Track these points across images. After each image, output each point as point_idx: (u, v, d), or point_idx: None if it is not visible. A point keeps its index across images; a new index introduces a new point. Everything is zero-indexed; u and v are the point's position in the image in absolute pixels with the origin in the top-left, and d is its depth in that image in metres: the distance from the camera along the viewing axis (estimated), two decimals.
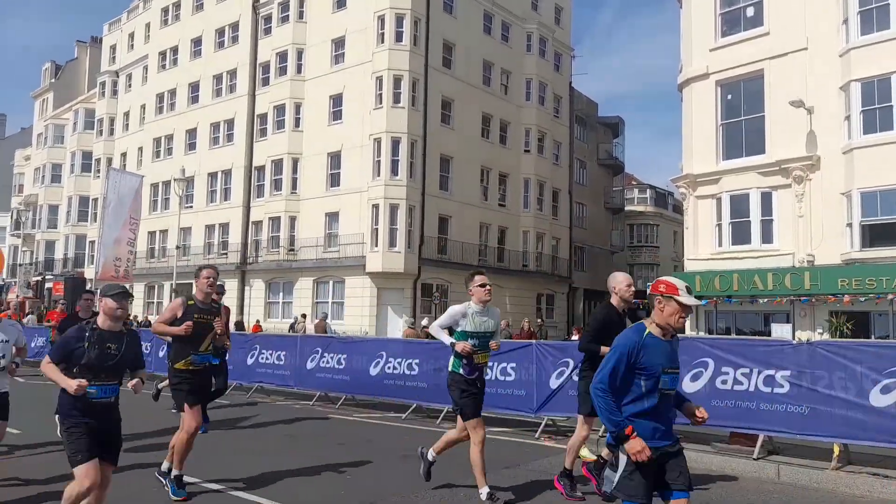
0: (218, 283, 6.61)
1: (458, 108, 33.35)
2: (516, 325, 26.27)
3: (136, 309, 40.87)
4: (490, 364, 7.56)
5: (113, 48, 49.82)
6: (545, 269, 37.74)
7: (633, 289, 6.25)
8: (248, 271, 35.18)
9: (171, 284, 28.55)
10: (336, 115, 32.60)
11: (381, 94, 30.20)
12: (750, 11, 21.98)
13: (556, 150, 40.65)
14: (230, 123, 37.72)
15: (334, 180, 32.25)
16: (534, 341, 11.10)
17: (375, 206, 29.56)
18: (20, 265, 55.91)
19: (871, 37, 19.27)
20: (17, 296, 50.22)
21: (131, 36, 47.35)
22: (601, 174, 47.62)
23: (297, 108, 33.82)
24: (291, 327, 27.54)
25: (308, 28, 34.21)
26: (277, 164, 33.92)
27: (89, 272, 39.26)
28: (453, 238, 32.49)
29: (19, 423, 9.32)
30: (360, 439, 9.25)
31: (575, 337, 25.73)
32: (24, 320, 25.25)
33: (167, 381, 7.06)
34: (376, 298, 29.82)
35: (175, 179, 30.10)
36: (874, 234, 19.06)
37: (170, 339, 6.47)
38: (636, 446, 3.49)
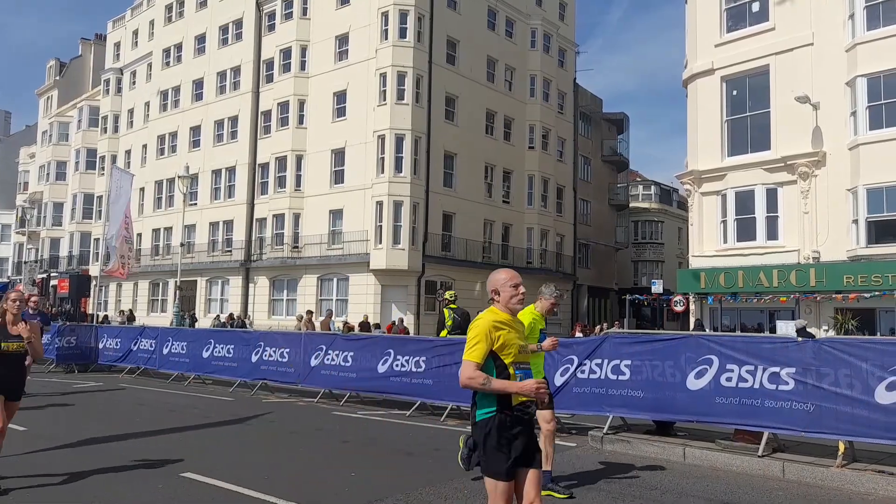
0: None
1: (462, 104, 33.30)
2: None
3: (142, 307, 41.08)
4: None
5: (117, 45, 49.88)
6: (549, 266, 37.70)
7: None
8: (252, 268, 35.23)
9: (176, 282, 28.62)
10: (340, 112, 32.57)
11: (384, 91, 30.17)
12: (755, 6, 21.88)
13: (561, 147, 40.56)
14: (234, 120, 37.76)
15: (338, 177, 32.23)
16: None
17: (379, 203, 29.55)
18: (25, 263, 56.09)
19: (878, 32, 19.17)
20: (23, 293, 50.30)
21: (135, 33, 47.40)
22: (605, 171, 47.52)
23: (301, 104, 33.83)
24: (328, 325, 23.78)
25: (312, 25, 34.19)
26: (281, 162, 33.94)
27: (94, 269, 39.38)
28: (457, 235, 32.45)
29: (25, 422, 9.37)
30: (364, 436, 9.25)
31: (578, 334, 25.69)
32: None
33: None
34: (380, 296, 29.83)
35: (179, 177, 30.14)
36: (880, 231, 18.99)
37: None
38: None
